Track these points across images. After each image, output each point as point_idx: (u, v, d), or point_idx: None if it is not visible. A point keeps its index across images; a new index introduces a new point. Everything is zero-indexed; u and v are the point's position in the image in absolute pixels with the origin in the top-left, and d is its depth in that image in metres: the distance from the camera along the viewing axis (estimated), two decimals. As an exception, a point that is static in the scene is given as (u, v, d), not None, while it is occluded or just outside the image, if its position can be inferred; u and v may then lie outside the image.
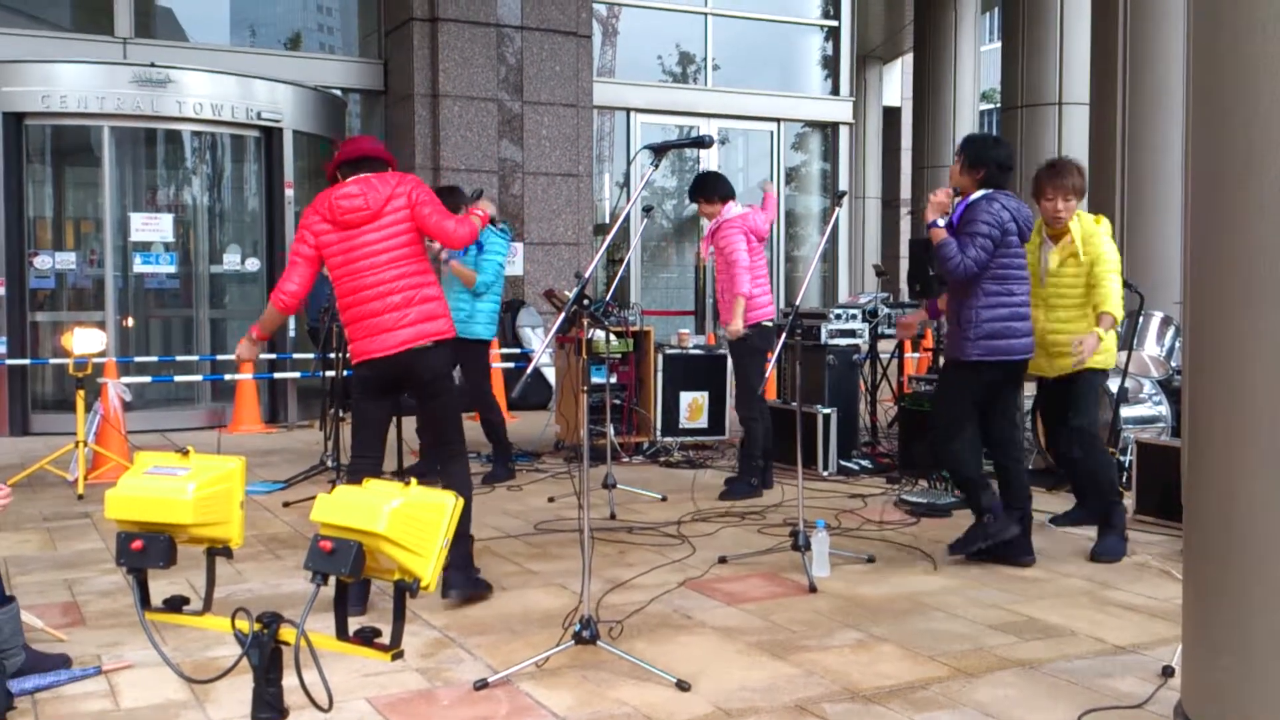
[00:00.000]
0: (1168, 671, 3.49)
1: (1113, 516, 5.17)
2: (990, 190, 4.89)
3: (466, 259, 6.72)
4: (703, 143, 3.92)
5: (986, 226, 4.75)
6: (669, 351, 8.28)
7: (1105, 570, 4.87)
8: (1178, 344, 6.99)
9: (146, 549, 2.20)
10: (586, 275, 3.91)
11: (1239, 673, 2.46)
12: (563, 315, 3.74)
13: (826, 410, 7.25)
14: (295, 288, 4.29)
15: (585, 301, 3.78)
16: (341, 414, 7.02)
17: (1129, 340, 6.80)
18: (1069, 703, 3.31)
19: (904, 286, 10.98)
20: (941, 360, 5.23)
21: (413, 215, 4.25)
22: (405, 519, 2.08)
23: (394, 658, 2.16)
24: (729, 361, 6.74)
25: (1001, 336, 4.83)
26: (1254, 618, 2.42)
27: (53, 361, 9.23)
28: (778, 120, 14.60)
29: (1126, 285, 6.90)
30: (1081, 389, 5.28)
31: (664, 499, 6.46)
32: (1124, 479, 6.45)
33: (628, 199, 13.45)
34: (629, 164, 13.51)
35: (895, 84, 23.78)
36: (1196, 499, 2.62)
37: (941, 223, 4.85)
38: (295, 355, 10.25)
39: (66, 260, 9.77)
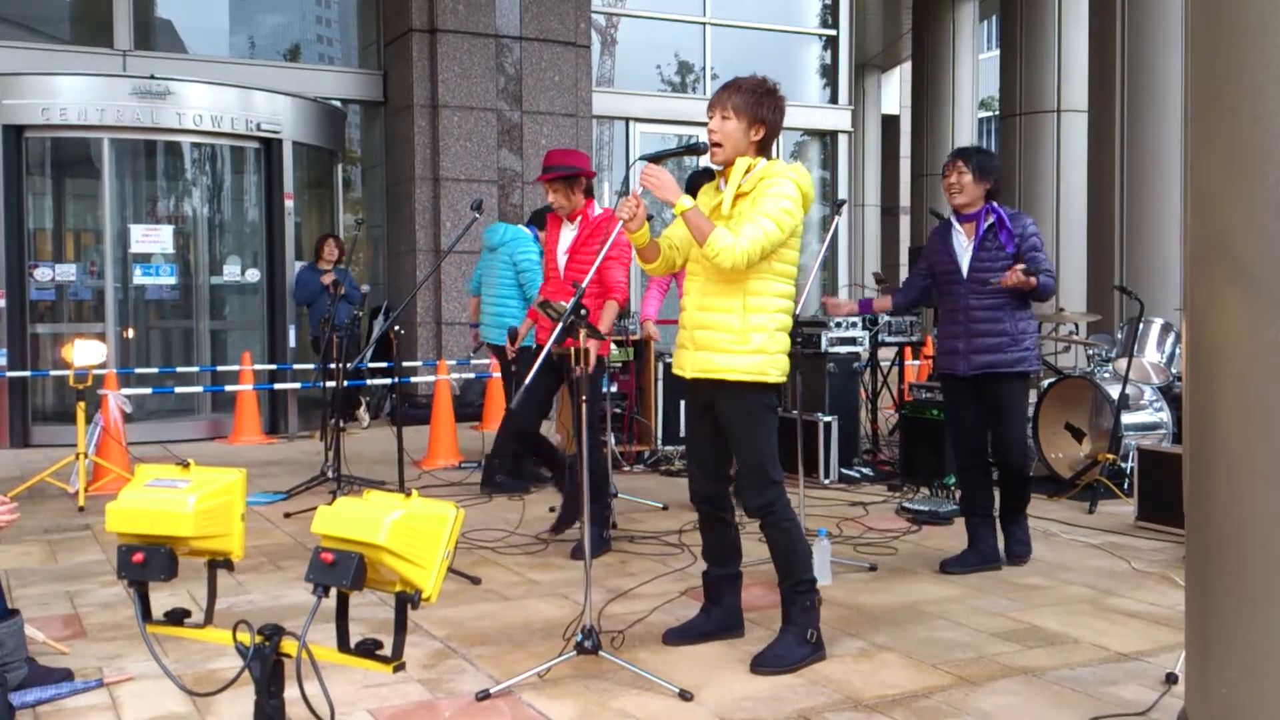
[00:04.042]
0: (1171, 679, 3.48)
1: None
2: (994, 204, 4.96)
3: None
4: (697, 149, 3.98)
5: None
6: (670, 360, 8.27)
7: (1107, 577, 4.86)
8: (1178, 350, 6.99)
9: (148, 562, 2.20)
10: (584, 284, 3.91)
11: (1243, 681, 2.45)
12: (559, 326, 3.73)
13: (827, 418, 7.25)
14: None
15: (582, 311, 3.76)
16: (342, 424, 7.02)
17: (1130, 346, 6.80)
18: (1073, 711, 3.30)
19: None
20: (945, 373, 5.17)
21: None
22: (406, 530, 2.07)
23: (395, 669, 2.15)
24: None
25: None
26: (1258, 625, 2.42)
27: (53, 373, 9.23)
28: (777, 129, 14.61)
29: (1126, 292, 6.93)
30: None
31: (665, 508, 6.45)
32: (1125, 486, 6.45)
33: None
34: (626, 173, 13.51)
35: (894, 92, 23.83)
36: (1198, 506, 2.62)
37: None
38: (296, 366, 10.26)
39: (67, 272, 9.78)
